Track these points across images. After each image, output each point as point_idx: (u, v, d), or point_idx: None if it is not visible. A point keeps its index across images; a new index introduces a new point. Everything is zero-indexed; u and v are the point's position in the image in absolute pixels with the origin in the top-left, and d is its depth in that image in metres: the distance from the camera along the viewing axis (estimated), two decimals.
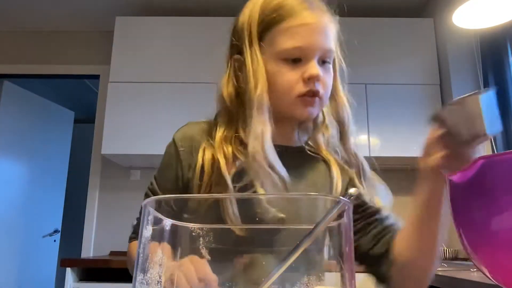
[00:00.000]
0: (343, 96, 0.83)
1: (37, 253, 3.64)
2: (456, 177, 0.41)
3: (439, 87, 2.71)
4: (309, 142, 0.85)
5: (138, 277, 0.33)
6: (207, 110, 0.85)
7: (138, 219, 0.87)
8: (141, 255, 0.33)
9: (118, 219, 2.86)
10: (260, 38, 0.77)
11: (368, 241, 0.78)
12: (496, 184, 0.38)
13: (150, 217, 0.35)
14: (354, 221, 0.79)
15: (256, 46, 0.76)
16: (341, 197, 0.35)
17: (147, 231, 0.34)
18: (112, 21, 2.87)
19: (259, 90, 0.74)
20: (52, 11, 3.13)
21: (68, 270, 2.23)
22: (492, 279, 0.40)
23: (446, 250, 2.40)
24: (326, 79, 0.76)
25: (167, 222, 0.36)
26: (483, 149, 0.60)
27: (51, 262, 3.84)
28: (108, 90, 2.75)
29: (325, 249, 0.39)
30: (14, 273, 3.39)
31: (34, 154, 3.68)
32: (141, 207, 0.83)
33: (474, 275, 1.32)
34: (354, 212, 0.78)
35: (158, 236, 0.35)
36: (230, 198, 0.66)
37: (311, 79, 0.73)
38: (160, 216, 0.36)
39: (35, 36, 3.34)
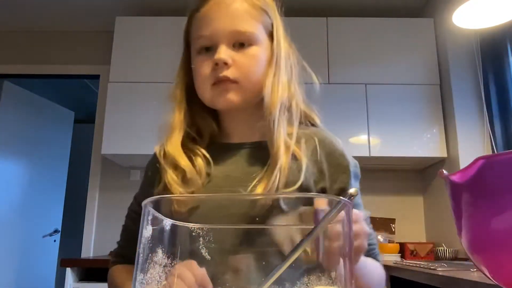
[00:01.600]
0: (278, 79, 0.74)
1: (37, 253, 3.64)
2: (456, 177, 0.41)
3: (439, 87, 2.71)
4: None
5: (138, 277, 0.33)
6: None
7: (119, 242, 0.87)
8: (141, 255, 0.33)
9: (118, 219, 2.83)
10: (188, 32, 0.78)
11: None
12: (496, 184, 0.38)
13: (150, 217, 0.35)
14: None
15: (187, 42, 0.79)
16: (341, 198, 0.35)
17: (147, 231, 0.34)
18: (112, 21, 2.87)
19: (172, 88, 0.77)
20: (52, 11, 3.13)
21: (68, 270, 2.23)
22: (492, 279, 0.40)
23: (446, 250, 2.40)
24: (242, 62, 0.72)
25: (167, 222, 0.36)
26: (484, 149, 0.59)
27: (51, 262, 3.84)
28: (108, 90, 2.75)
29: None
30: (14, 273, 3.39)
31: (34, 154, 3.68)
32: (122, 230, 0.82)
33: (474, 275, 1.32)
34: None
35: (158, 236, 0.35)
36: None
37: (217, 65, 0.71)
38: (160, 216, 0.36)
39: (35, 36, 3.34)
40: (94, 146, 3.08)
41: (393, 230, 2.75)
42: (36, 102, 3.71)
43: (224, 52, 0.70)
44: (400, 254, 2.51)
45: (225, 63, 0.70)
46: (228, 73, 0.71)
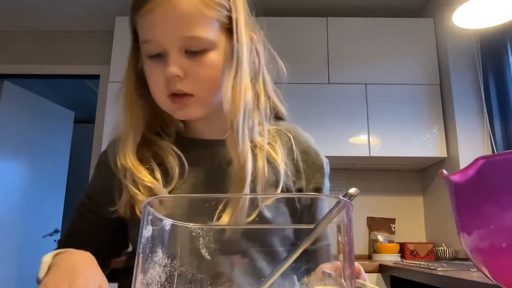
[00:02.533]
0: (241, 80, 0.65)
1: (37, 253, 3.63)
2: (456, 177, 0.41)
3: (439, 87, 2.71)
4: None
5: (138, 277, 0.33)
6: None
7: (66, 234, 0.78)
8: (141, 255, 0.33)
9: None
10: (133, 27, 0.68)
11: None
12: (496, 184, 0.38)
13: (150, 217, 0.35)
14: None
15: (133, 36, 0.69)
16: (341, 198, 0.35)
17: (147, 231, 0.34)
18: (112, 21, 2.87)
19: (122, 86, 0.70)
20: (52, 11, 3.13)
21: None
22: (492, 279, 0.40)
23: (446, 250, 2.40)
24: (197, 72, 0.63)
25: (167, 222, 0.36)
26: (484, 149, 0.59)
27: None
28: (108, 90, 2.76)
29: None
30: (14, 273, 3.39)
31: (34, 154, 3.68)
32: (70, 222, 0.76)
33: (474, 275, 1.32)
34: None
35: (158, 236, 0.35)
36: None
37: (170, 79, 0.63)
38: (160, 216, 0.36)
39: (35, 36, 3.34)
40: (94, 146, 3.08)
41: (393, 230, 2.75)
42: (36, 102, 3.71)
43: (175, 64, 0.62)
44: (400, 254, 2.51)
45: (179, 77, 0.63)
46: (183, 86, 0.63)
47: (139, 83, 0.70)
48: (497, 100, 2.43)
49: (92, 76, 3.32)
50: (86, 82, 4.11)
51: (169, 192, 0.66)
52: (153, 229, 0.35)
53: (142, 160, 0.68)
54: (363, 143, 2.63)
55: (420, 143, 2.61)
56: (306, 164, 0.73)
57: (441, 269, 1.55)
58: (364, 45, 2.78)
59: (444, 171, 0.43)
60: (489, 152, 2.40)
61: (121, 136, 0.69)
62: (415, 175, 2.97)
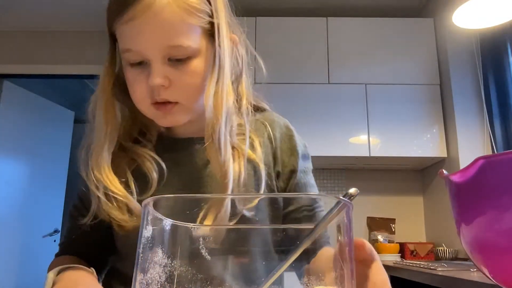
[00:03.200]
0: (222, 85, 0.65)
1: (37, 253, 3.64)
2: (456, 177, 0.41)
3: (439, 87, 2.71)
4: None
5: (138, 277, 0.33)
6: None
7: (65, 239, 0.79)
8: (141, 255, 0.33)
9: None
10: (111, 32, 0.65)
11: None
12: (496, 184, 0.38)
13: (150, 217, 0.35)
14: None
15: (111, 41, 0.67)
16: (341, 197, 0.35)
17: (147, 231, 0.34)
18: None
19: (98, 91, 0.68)
20: (52, 11, 3.13)
21: None
22: (492, 279, 0.40)
23: (446, 250, 2.40)
24: (181, 81, 0.63)
25: (167, 222, 0.36)
26: (484, 149, 0.59)
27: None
28: None
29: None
30: (14, 273, 3.39)
31: (34, 154, 3.68)
32: (67, 227, 0.77)
33: (474, 275, 1.32)
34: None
35: (158, 236, 0.35)
36: None
37: (154, 88, 0.62)
38: (160, 216, 0.36)
39: (35, 36, 3.34)
40: None
41: (393, 230, 2.75)
42: (36, 102, 3.71)
43: (158, 74, 0.61)
44: (400, 254, 2.51)
45: (162, 86, 0.62)
46: (167, 95, 0.63)
47: (117, 88, 0.69)
48: (497, 100, 2.43)
49: (92, 76, 3.32)
50: (86, 82, 4.11)
51: (151, 195, 0.66)
52: (153, 229, 0.35)
53: (117, 168, 0.67)
54: (363, 143, 2.63)
55: (420, 143, 2.61)
56: (282, 149, 0.74)
57: (441, 269, 1.55)
58: (364, 45, 2.78)
59: (444, 171, 0.43)
60: (489, 152, 2.40)
61: (95, 146, 0.67)
62: (415, 175, 2.97)
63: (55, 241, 3.89)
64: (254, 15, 2.78)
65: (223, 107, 0.64)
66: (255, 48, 0.78)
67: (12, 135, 3.45)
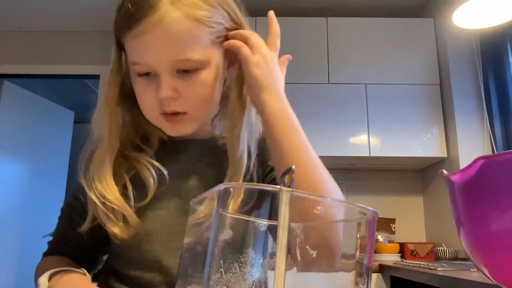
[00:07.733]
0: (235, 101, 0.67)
1: (37, 253, 3.62)
2: (456, 177, 0.41)
3: (439, 87, 2.71)
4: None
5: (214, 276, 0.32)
6: None
7: (54, 236, 0.81)
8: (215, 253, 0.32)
9: None
10: (119, 42, 0.66)
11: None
12: (496, 184, 0.38)
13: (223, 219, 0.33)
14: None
15: (118, 51, 0.67)
16: (368, 207, 0.34)
17: (224, 234, 0.33)
18: (112, 21, 2.87)
19: (104, 98, 0.69)
20: (52, 11, 3.13)
21: None
22: (492, 279, 0.40)
23: (446, 250, 2.40)
24: (190, 92, 0.63)
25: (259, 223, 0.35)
26: (484, 149, 0.59)
27: None
28: None
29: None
30: (14, 273, 3.39)
31: (34, 154, 3.68)
32: (57, 224, 0.78)
33: (474, 275, 1.32)
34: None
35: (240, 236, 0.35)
36: None
37: (163, 100, 0.63)
38: (233, 215, 0.35)
39: (35, 36, 3.34)
40: None
41: (393, 230, 2.75)
42: (36, 102, 3.71)
43: (167, 86, 0.61)
44: (400, 254, 2.51)
45: (171, 99, 0.62)
46: (176, 106, 0.63)
47: (122, 94, 0.69)
48: (497, 100, 2.43)
49: (92, 76, 3.32)
50: (86, 82, 4.11)
51: (150, 201, 0.66)
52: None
53: (116, 174, 0.67)
54: (363, 143, 2.63)
55: (420, 143, 2.61)
56: (260, 148, 0.73)
57: (441, 269, 1.55)
58: (364, 45, 2.78)
59: (444, 171, 0.43)
60: (489, 152, 2.40)
61: (98, 154, 0.68)
62: (415, 175, 2.97)
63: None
64: (254, 15, 2.78)
65: (247, 101, 0.67)
66: None
67: (12, 135, 3.46)
